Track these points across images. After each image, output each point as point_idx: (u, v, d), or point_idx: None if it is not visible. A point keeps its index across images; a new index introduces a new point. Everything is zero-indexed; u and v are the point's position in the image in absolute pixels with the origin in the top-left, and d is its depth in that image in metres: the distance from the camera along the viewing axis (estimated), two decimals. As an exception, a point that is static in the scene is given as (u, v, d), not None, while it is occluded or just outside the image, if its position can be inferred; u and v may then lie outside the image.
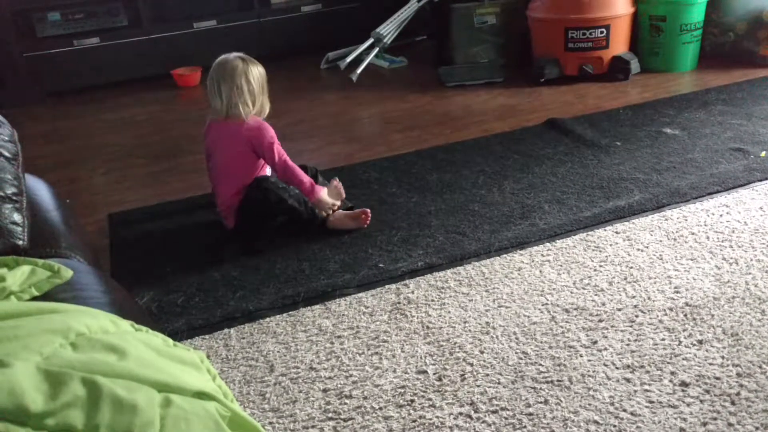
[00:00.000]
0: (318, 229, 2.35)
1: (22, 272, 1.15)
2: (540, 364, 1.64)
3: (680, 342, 1.67)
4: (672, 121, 3.08)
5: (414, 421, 1.50)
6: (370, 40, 4.25)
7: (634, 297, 1.87)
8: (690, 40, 3.72)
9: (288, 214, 2.31)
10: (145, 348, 0.93)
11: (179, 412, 0.82)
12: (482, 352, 1.70)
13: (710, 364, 1.59)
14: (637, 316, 1.78)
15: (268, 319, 1.91)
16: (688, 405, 1.48)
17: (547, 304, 1.87)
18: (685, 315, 1.78)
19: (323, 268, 2.14)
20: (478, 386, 1.58)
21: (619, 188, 2.48)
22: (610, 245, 2.13)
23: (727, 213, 2.25)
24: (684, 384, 1.54)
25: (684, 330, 1.72)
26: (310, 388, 1.63)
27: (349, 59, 4.25)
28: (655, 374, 1.57)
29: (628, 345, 1.68)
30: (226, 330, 1.88)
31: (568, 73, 3.74)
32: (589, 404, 1.50)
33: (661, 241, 2.13)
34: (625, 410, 1.48)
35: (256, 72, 2.32)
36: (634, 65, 3.72)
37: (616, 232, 2.20)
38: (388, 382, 1.63)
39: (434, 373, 1.64)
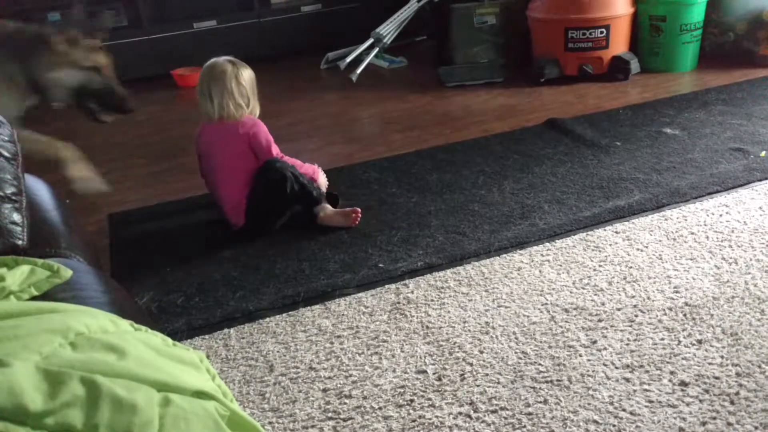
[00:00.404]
0: (314, 224, 2.37)
1: (21, 272, 1.16)
2: (539, 364, 1.64)
3: (680, 342, 1.67)
4: (672, 121, 3.08)
5: (414, 420, 1.50)
6: (370, 40, 4.25)
7: (633, 297, 1.87)
8: (690, 40, 3.72)
9: (301, 190, 2.33)
10: (145, 347, 0.93)
11: (178, 411, 0.82)
12: (482, 352, 1.70)
13: (709, 363, 1.59)
14: (636, 316, 1.79)
15: (267, 319, 1.91)
16: (688, 404, 1.48)
17: (546, 303, 1.87)
18: (685, 315, 1.78)
19: (323, 268, 2.14)
20: (478, 386, 1.59)
21: (618, 188, 2.48)
22: (610, 245, 2.13)
23: (727, 213, 2.25)
24: (683, 383, 1.54)
25: (683, 330, 1.72)
26: (310, 387, 1.64)
27: (348, 59, 4.25)
28: (655, 374, 1.57)
29: (627, 345, 1.68)
30: (225, 330, 1.88)
31: (568, 73, 3.74)
32: (589, 404, 1.50)
33: (660, 240, 2.13)
34: (624, 410, 1.48)
35: (246, 74, 2.36)
36: (634, 65, 3.72)
37: (616, 232, 2.20)
38: (387, 381, 1.63)
39: (434, 373, 1.64)
